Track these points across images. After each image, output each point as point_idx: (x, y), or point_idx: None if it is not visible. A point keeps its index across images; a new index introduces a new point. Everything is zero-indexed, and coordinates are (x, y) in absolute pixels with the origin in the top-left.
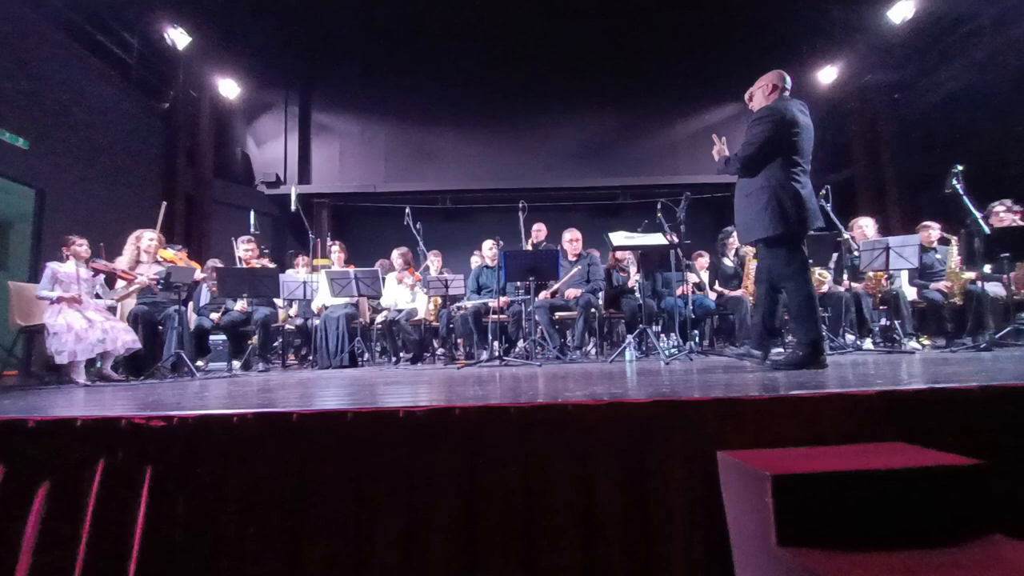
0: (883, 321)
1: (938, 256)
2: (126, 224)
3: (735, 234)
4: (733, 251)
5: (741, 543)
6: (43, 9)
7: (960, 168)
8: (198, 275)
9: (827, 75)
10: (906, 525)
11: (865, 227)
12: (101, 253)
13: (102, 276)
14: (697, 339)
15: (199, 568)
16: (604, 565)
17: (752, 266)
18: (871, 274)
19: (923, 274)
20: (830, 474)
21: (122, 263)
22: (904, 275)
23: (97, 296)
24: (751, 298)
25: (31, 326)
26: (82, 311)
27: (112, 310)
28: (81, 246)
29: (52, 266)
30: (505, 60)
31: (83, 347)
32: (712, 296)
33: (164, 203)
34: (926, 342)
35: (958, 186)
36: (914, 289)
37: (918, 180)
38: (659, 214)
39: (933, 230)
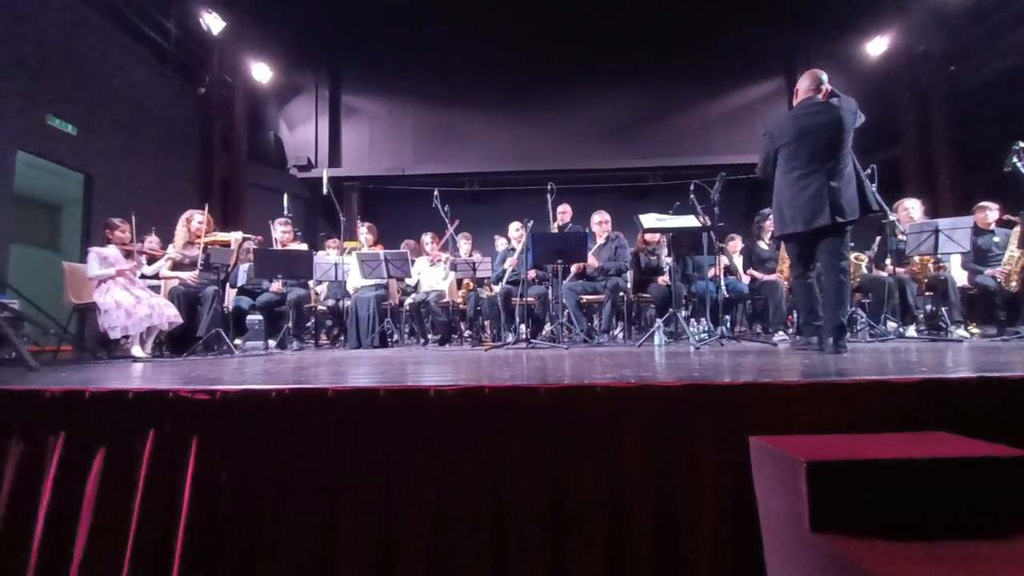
0: (928, 307)
1: (996, 239)
2: (168, 205)
3: (771, 217)
4: (769, 234)
5: (772, 528)
6: None
7: (1021, 145)
8: (235, 236)
9: (876, 46)
10: (947, 516)
11: (911, 209)
12: (145, 233)
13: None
14: (728, 324)
15: (241, 534)
16: (632, 548)
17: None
18: (917, 258)
19: (977, 258)
20: (867, 461)
21: (177, 245)
22: (955, 259)
23: (143, 276)
24: (787, 283)
25: (83, 304)
26: (129, 289)
27: (156, 289)
28: (124, 232)
29: (95, 250)
30: (534, 40)
31: (133, 322)
32: (746, 280)
33: (206, 204)
34: (975, 330)
35: (1019, 164)
36: (965, 274)
37: (972, 158)
38: (692, 196)
39: (991, 211)
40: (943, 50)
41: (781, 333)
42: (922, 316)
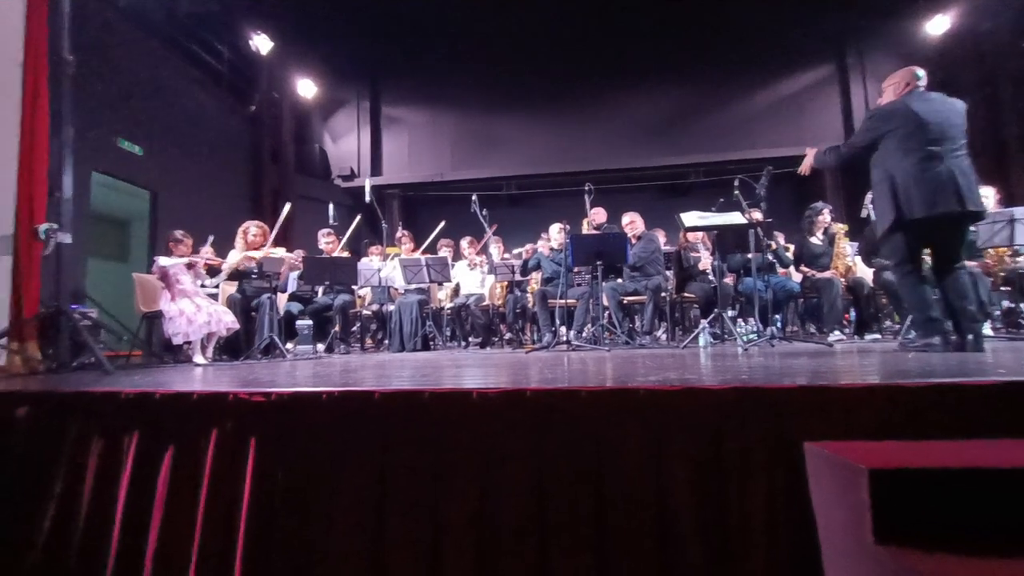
0: (1005, 304)
1: None
2: (224, 219)
3: (825, 211)
4: (822, 229)
5: (832, 539)
6: (149, 27)
7: None
8: (289, 255)
9: (937, 26)
10: None
11: (984, 198)
12: (201, 244)
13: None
14: (779, 324)
15: (296, 530)
16: (681, 558)
17: (843, 244)
18: (992, 251)
19: None
20: (937, 470)
21: (235, 254)
22: None
23: (202, 285)
24: (843, 280)
25: (151, 312)
26: (191, 297)
27: (214, 297)
28: (187, 246)
29: (161, 260)
30: (569, 41)
31: (194, 328)
32: (797, 277)
33: (288, 204)
34: None
35: None
36: None
37: None
38: (736, 191)
39: None
40: (1013, 26)
41: (837, 333)
42: (998, 313)
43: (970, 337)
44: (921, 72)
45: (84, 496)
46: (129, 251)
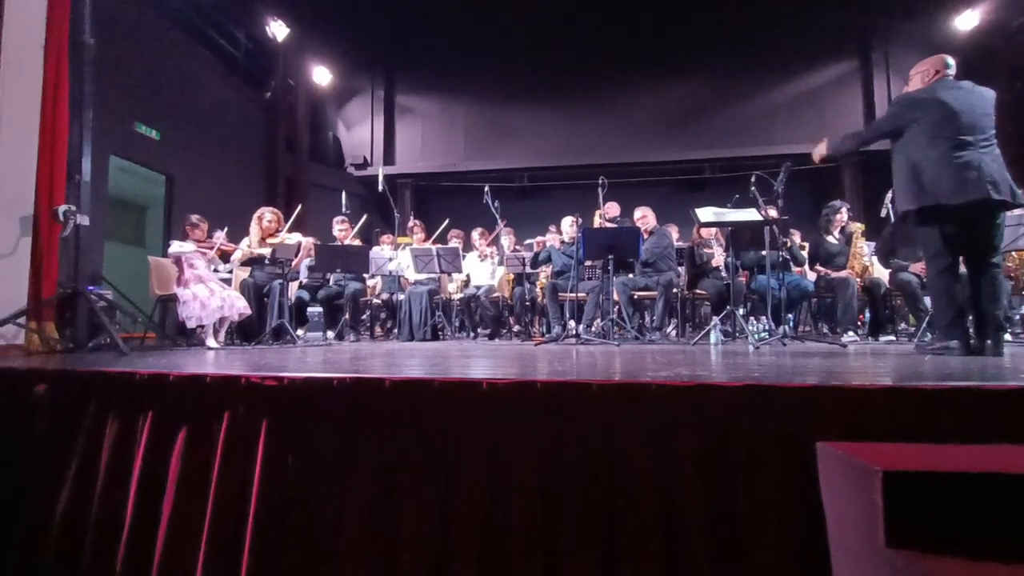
0: None
1: None
2: (238, 204)
3: (843, 210)
4: (839, 228)
5: (842, 540)
6: (167, 12)
7: None
8: (306, 240)
9: (966, 21)
10: None
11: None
12: (216, 229)
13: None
14: (792, 323)
15: (306, 512)
16: (689, 557)
17: (860, 244)
18: (1014, 255)
19: None
20: (954, 474)
21: (252, 240)
22: None
23: (215, 270)
24: (859, 280)
25: (166, 295)
26: (205, 281)
27: (228, 282)
28: (203, 231)
29: (174, 246)
30: (586, 32)
31: (207, 313)
32: (811, 277)
33: (299, 206)
34: None
35: None
36: None
37: None
38: (753, 188)
39: None
40: None
41: (851, 334)
42: (1018, 318)
43: (989, 342)
44: (951, 60)
45: (100, 473)
46: (145, 235)
